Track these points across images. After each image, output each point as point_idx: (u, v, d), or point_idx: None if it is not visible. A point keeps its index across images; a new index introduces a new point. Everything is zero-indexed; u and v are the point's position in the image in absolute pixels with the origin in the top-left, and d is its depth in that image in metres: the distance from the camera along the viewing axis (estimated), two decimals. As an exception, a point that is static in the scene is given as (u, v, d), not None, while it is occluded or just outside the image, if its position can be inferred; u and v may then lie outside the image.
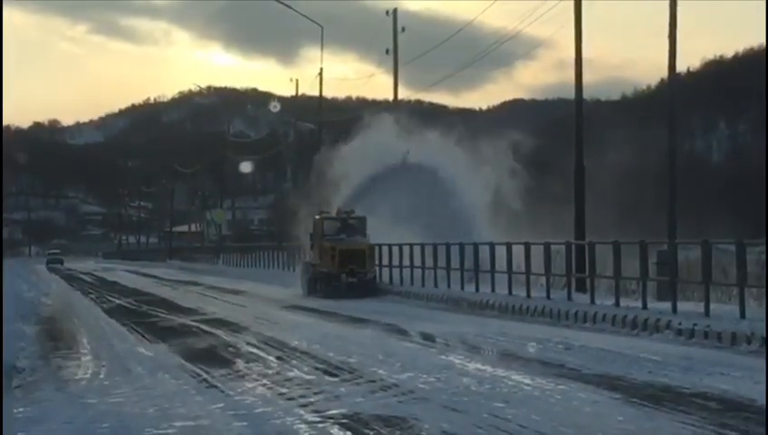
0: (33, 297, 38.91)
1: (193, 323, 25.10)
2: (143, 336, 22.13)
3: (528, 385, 13.47)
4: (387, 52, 50.48)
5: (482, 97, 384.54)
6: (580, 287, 26.49)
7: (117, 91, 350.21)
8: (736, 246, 19.89)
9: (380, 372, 15.01)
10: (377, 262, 36.74)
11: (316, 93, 65.52)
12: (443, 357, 16.97)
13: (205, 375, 15.25)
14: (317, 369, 15.57)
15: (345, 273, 35.43)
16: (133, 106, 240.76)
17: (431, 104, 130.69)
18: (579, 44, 31.18)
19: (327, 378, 14.60)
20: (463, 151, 41.71)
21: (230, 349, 19.02)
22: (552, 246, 27.19)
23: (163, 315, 28.40)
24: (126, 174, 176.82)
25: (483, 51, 56.80)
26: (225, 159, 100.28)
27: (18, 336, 21.60)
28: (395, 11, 50.12)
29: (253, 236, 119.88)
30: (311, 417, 11.44)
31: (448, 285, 32.21)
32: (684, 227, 28.34)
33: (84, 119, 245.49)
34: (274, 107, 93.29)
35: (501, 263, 28.73)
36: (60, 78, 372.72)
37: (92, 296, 39.59)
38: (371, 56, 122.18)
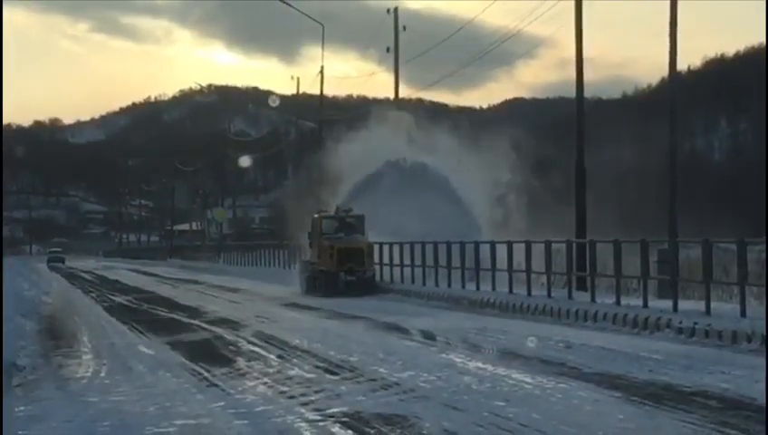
0: (34, 296, 38.92)
1: (194, 322, 25.14)
2: (144, 335, 22.15)
3: (529, 384, 13.47)
4: (387, 50, 50.58)
5: (483, 96, 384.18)
6: (581, 286, 26.47)
7: (118, 89, 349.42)
8: (737, 244, 19.89)
9: (381, 370, 15.02)
10: (376, 260, 36.71)
11: (317, 92, 65.54)
12: (443, 356, 16.97)
13: (205, 374, 15.27)
14: (318, 367, 15.57)
15: (344, 271, 35.37)
16: (134, 104, 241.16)
17: (432, 103, 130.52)
18: (579, 43, 31.17)
19: (328, 376, 14.61)
20: (465, 150, 41.71)
21: (231, 347, 19.04)
22: (553, 245, 27.19)
23: (164, 314, 28.41)
24: (127, 172, 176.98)
25: (483, 49, 56.71)
26: (226, 157, 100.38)
27: (19, 335, 21.59)
28: (396, 9, 50.27)
29: (254, 234, 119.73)
30: (312, 415, 11.45)
31: (449, 284, 32.20)
32: (684, 225, 28.31)
33: (85, 117, 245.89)
34: (273, 101, 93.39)
35: (502, 261, 28.73)
36: (61, 76, 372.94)
37: (93, 295, 39.61)
38: (372, 55, 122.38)
